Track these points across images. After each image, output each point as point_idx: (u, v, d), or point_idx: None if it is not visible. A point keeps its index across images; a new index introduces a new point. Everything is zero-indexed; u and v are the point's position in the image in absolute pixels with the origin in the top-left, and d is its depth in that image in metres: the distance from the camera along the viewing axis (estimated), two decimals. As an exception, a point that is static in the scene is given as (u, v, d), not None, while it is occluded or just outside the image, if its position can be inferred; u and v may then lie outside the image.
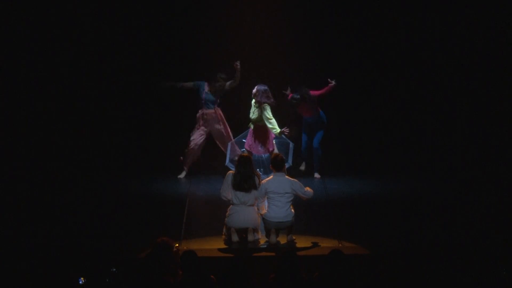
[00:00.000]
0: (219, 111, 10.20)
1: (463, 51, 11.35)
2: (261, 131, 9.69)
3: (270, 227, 7.49)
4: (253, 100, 9.64)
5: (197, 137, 10.13)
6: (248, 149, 9.78)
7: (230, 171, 7.79)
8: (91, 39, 11.35)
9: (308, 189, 7.62)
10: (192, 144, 10.11)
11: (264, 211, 7.55)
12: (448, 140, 11.39)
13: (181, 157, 10.26)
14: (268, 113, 9.42)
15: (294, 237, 7.56)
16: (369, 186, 9.92)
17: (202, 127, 10.15)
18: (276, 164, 7.59)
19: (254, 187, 7.54)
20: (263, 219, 7.53)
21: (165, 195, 9.49)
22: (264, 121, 9.48)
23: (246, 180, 7.53)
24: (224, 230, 7.64)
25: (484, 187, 9.67)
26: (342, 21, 11.53)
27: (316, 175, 10.23)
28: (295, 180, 7.62)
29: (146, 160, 11.20)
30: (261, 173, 8.65)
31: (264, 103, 9.43)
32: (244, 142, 10.09)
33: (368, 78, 11.72)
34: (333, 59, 11.57)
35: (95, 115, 11.51)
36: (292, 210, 7.53)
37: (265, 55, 11.44)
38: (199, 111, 10.16)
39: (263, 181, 7.57)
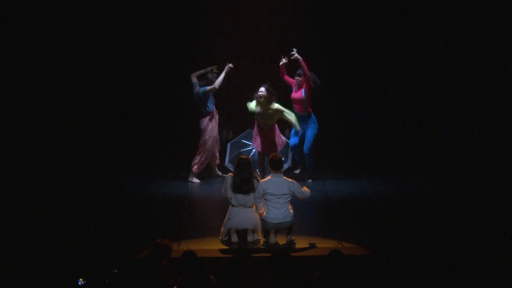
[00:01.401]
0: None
1: (466, 48, 11.29)
2: (268, 133, 9.62)
3: (270, 228, 7.46)
4: (256, 101, 9.52)
5: (210, 144, 9.96)
6: (261, 151, 9.72)
7: (229, 173, 7.78)
8: (89, 39, 11.31)
9: (305, 189, 7.59)
10: (207, 153, 9.98)
11: (262, 211, 7.52)
12: (449, 139, 11.34)
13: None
14: (281, 106, 9.49)
15: (293, 238, 7.53)
16: (369, 186, 9.89)
17: (209, 132, 9.93)
18: (274, 165, 7.55)
19: (253, 190, 7.53)
20: (262, 220, 7.49)
21: (164, 196, 9.45)
22: (275, 118, 9.54)
23: (245, 183, 7.51)
24: (221, 231, 7.61)
25: (484, 186, 9.63)
26: (341, 20, 11.52)
27: (309, 180, 10.06)
28: (293, 180, 7.58)
29: (145, 161, 11.18)
30: (259, 174, 8.64)
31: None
32: (244, 142, 10.10)
33: (367, 77, 11.67)
34: (333, 58, 11.56)
35: (94, 115, 11.46)
36: (291, 211, 7.50)
37: (262, 55, 11.43)
38: (206, 117, 9.94)
39: (261, 181, 7.55)
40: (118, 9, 11.32)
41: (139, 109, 11.65)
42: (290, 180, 7.56)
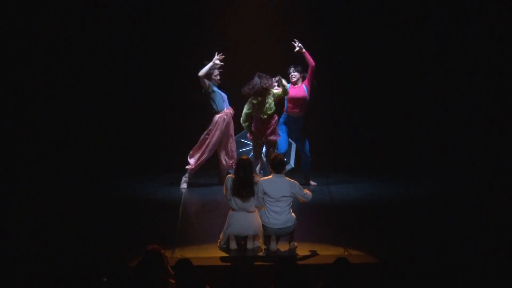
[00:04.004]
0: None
1: (472, 48, 11.23)
2: (268, 122, 9.42)
3: (271, 234, 7.27)
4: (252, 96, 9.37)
5: (214, 144, 9.58)
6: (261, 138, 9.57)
7: (229, 175, 7.62)
8: (86, 38, 11.32)
9: (307, 191, 7.40)
10: (206, 155, 9.62)
11: (263, 208, 7.33)
12: (459, 143, 11.30)
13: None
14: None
15: (296, 244, 7.35)
16: (377, 190, 9.82)
17: (218, 131, 9.54)
18: (275, 166, 7.32)
19: (252, 194, 7.32)
20: (263, 226, 7.32)
21: (158, 200, 9.37)
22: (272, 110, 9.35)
23: (244, 187, 7.32)
24: (220, 237, 7.43)
25: (498, 192, 9.46)
26: (343, 20, 11.52)
27: (313, 182, 9.89)
28: (295, 182, 7.39)
29: (138, 163, 11.23)
30: (261, 175, 8.56)
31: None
32: (243, 142, 10.07)
33: (372, 78, 11.69)
34: (338, 58, 11.54)
35: (88, 118, 11.49)
36: (293, 215, 7.30)
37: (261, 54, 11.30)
38: (220, 113, 9.53)
39: (261, 179, 7.35)
40: (113, 6, 11.32)
41: (133, 111, 11.68)
42: (292, 180, 7.35)
